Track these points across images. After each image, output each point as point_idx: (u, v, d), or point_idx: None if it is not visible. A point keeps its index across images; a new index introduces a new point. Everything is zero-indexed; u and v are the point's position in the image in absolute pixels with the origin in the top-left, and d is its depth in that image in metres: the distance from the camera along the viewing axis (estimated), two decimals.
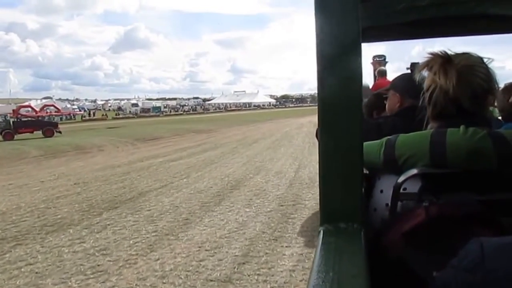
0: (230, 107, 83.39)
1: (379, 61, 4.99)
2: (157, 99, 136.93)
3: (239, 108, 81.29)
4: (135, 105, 78.78)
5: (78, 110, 75.72)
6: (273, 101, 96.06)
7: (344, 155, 0.86)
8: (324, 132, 0.88)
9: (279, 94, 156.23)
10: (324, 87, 0.86)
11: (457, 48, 1.16)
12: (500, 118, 2.19)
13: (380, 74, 4.80)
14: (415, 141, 1.09)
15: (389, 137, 1.15)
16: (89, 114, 63.10)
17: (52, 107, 68.41)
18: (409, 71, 2.09)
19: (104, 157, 15.22)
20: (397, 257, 0.96)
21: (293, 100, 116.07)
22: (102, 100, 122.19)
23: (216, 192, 7.80)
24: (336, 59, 0.86)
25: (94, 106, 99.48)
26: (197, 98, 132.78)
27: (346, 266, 0.72)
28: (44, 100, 78.88)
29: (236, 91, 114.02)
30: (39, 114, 61.57)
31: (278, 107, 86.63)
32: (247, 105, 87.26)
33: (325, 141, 0.88)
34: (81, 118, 56.91)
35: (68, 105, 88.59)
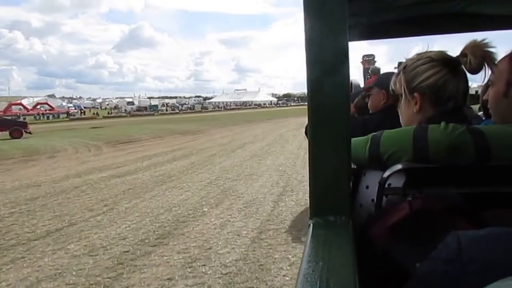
0: (230, 105, 79.78)
1: (368, 60, 4.93)
2: (159, 98, 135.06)
3: (238, 107, 77.76)
4: (131, 103, 75.34)
5: (74, 108, 72.76)
6: (274, 99, 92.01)
7: (332, 150, 0.89)
8: (314, 129, 0.89)
9: (282, 93, 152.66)
10: (313, 85, 0.88)
11: (457, 48, 1.18)
12: (480, 114, 2.14)
13: (374, 73, 4.33)
14: (399, 137, 1.09)
15: (374, 133, 1.14)
16: (73, 113, 59.60)
17: (46, 105, 65.75)
18: (396, 70, 1.62)
19: (43, 168, 11.90)
20: (383, 250, 0.97)
21: (295, 98, 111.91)
22: (101, 99, 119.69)
23: (120, 254, 4.40)
24: (325, 58, 0.87)
25: (92, 104, 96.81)
26: (199, 96, 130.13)
27: (335, 256, 0.73)
28: (36, 99, 76.14)
29: (237, 90, 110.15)
30: (30, 112, 58.88)
31: (280, 106, 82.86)
32: (248, 104, 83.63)
33: (315, 137, 0.90)
34: (67, 116, 53.53)
35: (64, 103, 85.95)
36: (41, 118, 51.04)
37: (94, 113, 57.45)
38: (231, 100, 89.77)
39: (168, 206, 6.51)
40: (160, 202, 6.82)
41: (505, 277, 0.47)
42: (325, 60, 0.86)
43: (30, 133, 25.95)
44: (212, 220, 5.62)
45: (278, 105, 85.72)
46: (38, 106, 63.88)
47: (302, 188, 7.35)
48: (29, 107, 61.93)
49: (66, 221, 5.78)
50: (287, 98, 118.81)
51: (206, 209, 6.23)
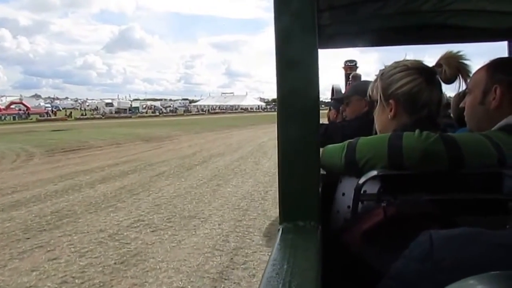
0: (214, 109, 75.85)
1: (351, 66, 4.99)
2: (144, 99, 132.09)
3: (224, 110, 73.94)
4: (110, 104, 70.80)
5: (51, 109, 68.75)
6: (262, 104, 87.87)
7: (301, 156, 0.88)
8: (283, 135, 0.89)
9: (272, 98, 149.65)
10: (282, 91, 0.88)
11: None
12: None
13: (355, 80, 4.27)
14: (374, 144, 1.09)
15: (350, 140, 1.14)
16: (46, 114, 55.53)
17: (21, 105, 61.60)
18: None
19: None
20: (357, 255, 0.98)
21: None
22: (84, 99, 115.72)
23: None
24: (294, 65, 0.87)
25: (73, 105, 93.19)
26: (186, 99, 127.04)
27: (300, 260, 0.73)
28: (10, 98, 71.97)
29: (223, 93, 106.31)
30: (3, 112, 54.71)
31: (268, 111, 79.10)
32: (234, 108, 79.78)
33: (284, 143, 0.89)
34: (27, 117, 49.44)
35: (42, 103, 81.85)
36: (6, 119, 46.81)
37: (66, 115, 53.29)
38: (217, 103, 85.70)
39: None
40: None
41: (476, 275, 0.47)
42: (295, 67, 0.86)
43: None
44: None
45: (266, 110, 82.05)
46: (13, 106, 59.94)
47: (265, 258, 3.92)
48: (2, 107, 57.91)
49: None
50: (275, 102, 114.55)
51: None
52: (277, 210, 0.90)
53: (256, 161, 11.79)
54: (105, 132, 25.62)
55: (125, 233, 4.99)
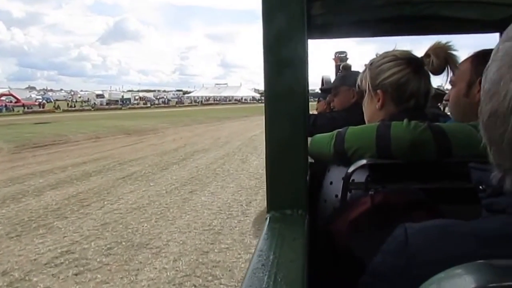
0: (208, 100, 73.80)
1: (341, 57, 4.68)
2: (138, 91, 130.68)
3: (217, 102, 71.88)
4: (101, 96, 68.88)
5: (41, 100, 67.03)
6: (257, 95, 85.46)
7: (289, 146, 0.88)
8: (270, 124, 0.88)
9: None
10: (270, 81, 0.86)
11: None
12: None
13: (345, 70, 3.70)
14: (363, 134, 1.09)
15: (339, 129, 1.14)
16: (39, 105, 53.79)
17: (11, 97, 59.95)
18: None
19: None
20: (344, 244, 0.98)
21: None
22: (79, 91, 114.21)
23: None
24: (282, 56, 0.85)
25: (64, 97, 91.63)
26: (180, 90, 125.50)
27: (286, 250, 0.72)
28: (2, 90, 70.15)
29: (217, 84, 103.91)
30: None
31: (262, 102, 77.05)
32: (228, 99, 77.73)
33: (271, 133, 0.88)
34: (22, 110, 47.56)
35: (33, 95, 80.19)
36: None
37: (55, 107, 51.40)
38: (211, 94, 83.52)
39: None
40: None
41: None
42: (283, 56, 0.85)
43: None
44: None
45: (260, 101, 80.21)
46: (3, 98, 58.38)
47: None
48: None
49: None
50: None
51: None
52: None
53: (243, 158, 10.25)
54: (88, 125, 24.03)
55: (35, 279, 3.44)
